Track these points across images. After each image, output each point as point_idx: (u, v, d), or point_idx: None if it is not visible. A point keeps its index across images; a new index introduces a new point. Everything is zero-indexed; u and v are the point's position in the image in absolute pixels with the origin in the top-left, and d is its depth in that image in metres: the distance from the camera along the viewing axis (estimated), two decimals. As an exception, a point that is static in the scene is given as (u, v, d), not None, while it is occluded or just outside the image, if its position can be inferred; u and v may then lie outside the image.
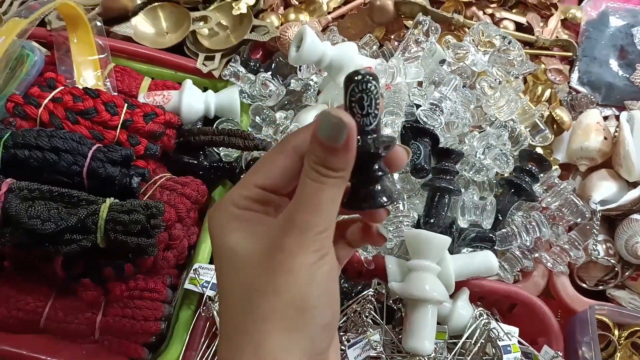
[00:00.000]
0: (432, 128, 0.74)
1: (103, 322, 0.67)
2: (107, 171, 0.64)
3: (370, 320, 0.67)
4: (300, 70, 0.83)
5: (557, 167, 0.83)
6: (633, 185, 0.77)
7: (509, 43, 0.80)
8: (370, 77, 0.32)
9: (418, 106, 0.76)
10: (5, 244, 0.60)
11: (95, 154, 0.65)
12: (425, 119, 0.74)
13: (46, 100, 0.69)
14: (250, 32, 0.89)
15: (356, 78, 0.32)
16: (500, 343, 0.65)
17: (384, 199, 0.35)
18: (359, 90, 0.33)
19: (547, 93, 0.86)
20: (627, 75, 0.86)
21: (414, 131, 0.74)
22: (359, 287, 0.72)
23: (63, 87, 0.72)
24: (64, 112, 0.69)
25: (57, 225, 0.59)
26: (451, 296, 0.73)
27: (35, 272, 0.68)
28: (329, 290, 0.34)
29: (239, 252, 0.35)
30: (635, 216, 0.75)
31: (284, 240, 0.33)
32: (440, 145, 0.76)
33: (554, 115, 0.82)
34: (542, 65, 0.88)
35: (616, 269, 0.77)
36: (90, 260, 0.66)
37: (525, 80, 0.88)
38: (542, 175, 0.78)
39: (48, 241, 0.60)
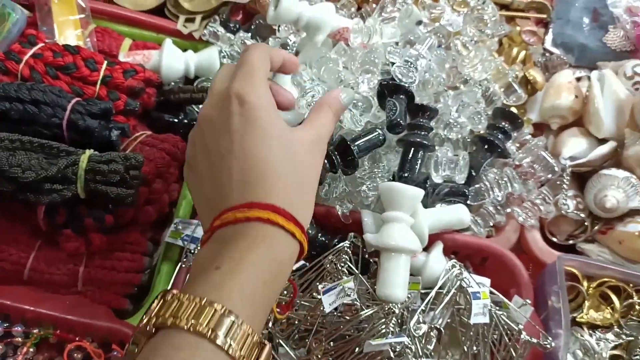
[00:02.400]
0: (407, 85, 0.76)
1: (85, 273, 0.69)
2: (87, 123, 0.65)
3: (345, 270, 0.69)
4: (279, 30, 0.84)
5: (531, 125, 0.85)
6: (603, 142, 0.80)
7: (483, 3, 0.82)
8: None
9: (394, 64, 0.77)
10: (-14, 192, 0.61)
11: (75, 106, 0.66)
12: (400, 76, 0.76)
13: (27, 56, 0.70)
14: (232, -5, 0.90)
15: None
16: (470, 290, 0.68)
17: None
18: None
19: (522, 55, 0.88)
20: (600, 37, 0.88)
21: (389, 88, 0.76)
22: (336, 241, 0.74)
23: (43, 44, 0.73)
24: (44, 68, 0.70)
25: (38, 174, 0.61)
26: (426, 249, 0.75)
27: (18, 224, 0.69)
28: None
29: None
30: (604, 171, 0.78)
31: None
32: (421, 103, 0.78)
33: (528, 76, 0.84)
34: (517, 28, 0.89)
35: (586, 223, 0.79)
36: (72, 212, 0.67)
37: (500, 43, 0.90)
38: (514, 133, 0.80)
39: (29, 190, 0.62)
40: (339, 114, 0.58)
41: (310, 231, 0.75)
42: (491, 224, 0.79)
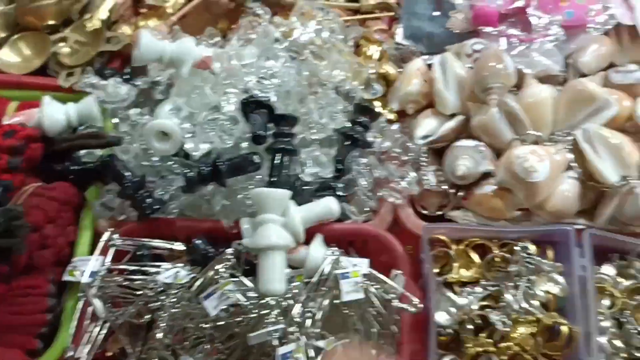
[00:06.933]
0: (265, 99, 0.83)
1: (-6, 320, 0.75)
2: (-32, 186, 0.72)
3: (227, 275, 0.76)
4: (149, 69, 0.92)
5: (393, 115, 0.93)
6: (452, 118, 0.88)
7: (327, 13, 0.90)
8: None
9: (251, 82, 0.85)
10: None
11: (-44, 173, 0.73)
12: (257, 92, 0.83)
13: None
14: (107, 44, 0.98)
15: None
16: (339, 272, 0.75)
17: None
18: None
19: (378, 52, 0.96)
20: (444, 24, 0.96)
21: (250, 104, 0.83)
22: (222, 250, 0.81)
23: None
24: None
25: None
26: (308, 243, 0.82)
27: None
28: None
29: None
30: (455, 143, 0.86)
31: None
32: (283, 112, 0.85)
33: (381, 71, 0.92)
34: (370, 28, 0.98)
35: (448, 193, 0.87)
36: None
37: (357, 45, 0.98)
38: (373, 123, 0.88)
39: None
40: None
41: (199, 245, 0.82)
42: (367, 210, 0.87)
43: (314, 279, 0.77)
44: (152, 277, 0.78)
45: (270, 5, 0.95)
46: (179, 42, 0.89)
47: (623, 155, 0.81)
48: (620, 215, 0.82)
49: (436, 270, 0.82)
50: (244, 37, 0.92)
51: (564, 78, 0.90)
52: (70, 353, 0.75)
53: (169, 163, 0.86)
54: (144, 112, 0.89)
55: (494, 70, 0.81)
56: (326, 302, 0.76)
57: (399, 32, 0.98)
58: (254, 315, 0.74)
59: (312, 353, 0.72)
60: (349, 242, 0.85)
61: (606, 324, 0.78)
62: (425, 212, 0.88)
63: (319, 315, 0.75)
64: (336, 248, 0.80)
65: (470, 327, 0.77)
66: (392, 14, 0.99)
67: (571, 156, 0.82)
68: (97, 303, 0.77)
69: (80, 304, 0.78)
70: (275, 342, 0.71)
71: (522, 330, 0.75)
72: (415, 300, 0.75)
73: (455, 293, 0.80)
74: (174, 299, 0.75)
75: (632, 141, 0.84)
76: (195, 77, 0.91)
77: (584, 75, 0.89)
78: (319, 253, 0.80)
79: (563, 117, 0.85)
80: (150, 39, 0.86)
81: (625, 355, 0.77)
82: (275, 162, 0.82)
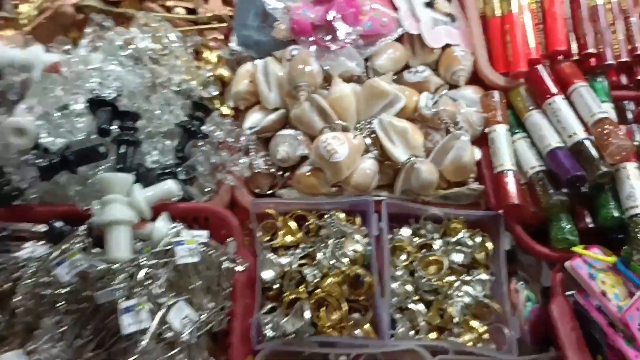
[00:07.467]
0: (110, 98, 0.96)
1: None
2: None
3: (81, 249, 0.87)
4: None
5: (230, 110, 1.09)
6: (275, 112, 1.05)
7: (164, 25, 1.05)
8: None
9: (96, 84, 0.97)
10: None
11: None
12: (100, 93, 0.96)
13: None
14: (-40, 52, 1.05)
15: None
16: (175, 240, 0.89)
17: None
18: None
19: (215, 57, 1.12)
20: (270, 33, 1.13)
21: (95, 102, 0.96)
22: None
23: None
24: None
25: None
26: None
27: None
28: None
29: None
30: (278, 132, 1.03)
31: None
32: (128, 110, 0.98)
33: (217, 73, 1.08)
34: (207, 37, 1.13)
35: (276, 175, 1.04)
36: None
37: (197, 52, 1.13)
38: (207, 118, 1.03)
39: None
40: None
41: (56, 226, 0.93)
42: (208, 191, 1.01)
43: (158, 248, 0.91)
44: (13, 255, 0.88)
45: (115, 17, 1.07)
46: (28, 49, 0.99)
47: (409, 138, 1.02)
48: (409, 186, 1.02)
49: (267, 238, 0.99)
50: (91, 44, 1.04)
51: (367, 77, 1.10)
52: None
53: (27, 156, 0.96)
54: (0, 111, 0.98)
55: (301, 71, 1.00)
56: (170, 267, 0.90)
57: (233, 41, 1.14)
58: (105, 280, 0.87)
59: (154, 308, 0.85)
60: (193, 219, 1.00)
61: (399, 273, 0.98)
62: (257, 191, 1.04)
63: (163, 278, 0.89)
64: (180, 223, 0.95)
65: (291, 281, 0.94)
66: (225, 24, 1.15)
67: (369, 140, 1.02)
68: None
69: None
70: (122, 300, 0.83)
71: (330, 280, 0.93)
72: (241, 260, 0.91)
73: (279, 256, 0.97)
74: (33, 270, 0.85)
75: (418, 128, 1.06)
76: (47, 79, 1.01)
77: (380, 75, 1.10)
78: (163, 227, 0.94)
79: (364, 110, 1.05)
80: (1, 48, 0.95)
81: (417, 297, 0.98)
82: (120, 151, 0.95)
